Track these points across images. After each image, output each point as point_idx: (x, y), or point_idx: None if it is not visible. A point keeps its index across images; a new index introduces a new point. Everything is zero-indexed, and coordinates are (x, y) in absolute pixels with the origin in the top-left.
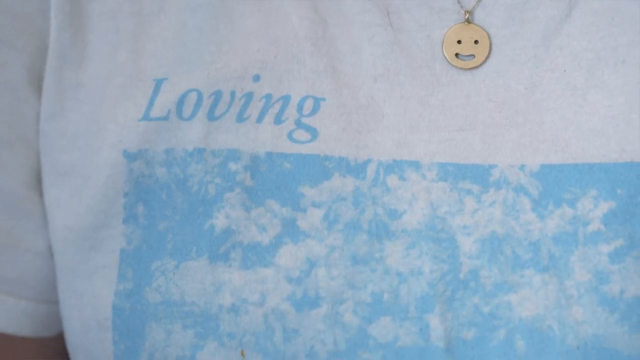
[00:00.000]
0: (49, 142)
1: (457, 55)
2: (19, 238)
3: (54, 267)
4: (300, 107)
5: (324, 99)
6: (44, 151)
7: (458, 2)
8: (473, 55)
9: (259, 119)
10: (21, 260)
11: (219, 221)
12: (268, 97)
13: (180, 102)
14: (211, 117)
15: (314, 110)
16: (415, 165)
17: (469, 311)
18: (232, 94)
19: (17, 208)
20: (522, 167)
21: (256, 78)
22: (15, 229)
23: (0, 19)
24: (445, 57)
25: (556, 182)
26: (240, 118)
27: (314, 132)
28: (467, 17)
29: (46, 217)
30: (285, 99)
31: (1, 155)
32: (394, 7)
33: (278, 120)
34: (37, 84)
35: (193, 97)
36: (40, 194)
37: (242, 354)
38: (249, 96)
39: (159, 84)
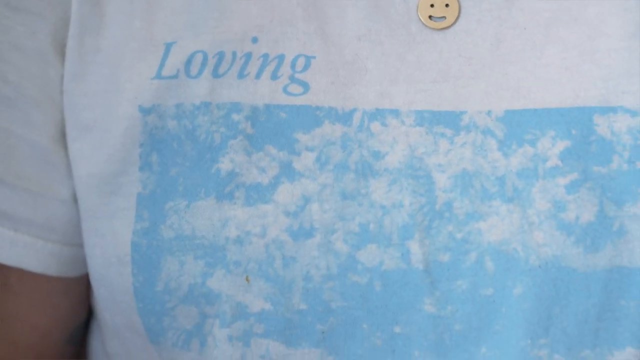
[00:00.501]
0: (72, 101)
1: (430, 17)
2: (47, 187)
3: (78, 213)
4: (293, 65)
5: (314, 57)
6: (67, 109)
7: None
8: (444, 17)
9: (257, 76)
10: (49, 206)
11: (224, 165)
12: (265, 56)
13: (188, 63)
14: (215, 74)
15: (306, 67)
16: (395, 113)
17: (444, 237)
18: (234, 54)
19: (45, 160)
20: (488, 113)
21: (254, 40)
22: (43, 179)
23: None
24: (420, 19)
25: (518, 125)
26: (241, 75)
27: (305, 86)
28: None
29: (70, 167)
30: (280, 58)
31: (31, 113)
32: None
33: (274, 76)
34: (61, 50)
35: (199, 57)
36: (65, 147)
37: (247, 280)
38: (248, 56)
39: (168, 47)
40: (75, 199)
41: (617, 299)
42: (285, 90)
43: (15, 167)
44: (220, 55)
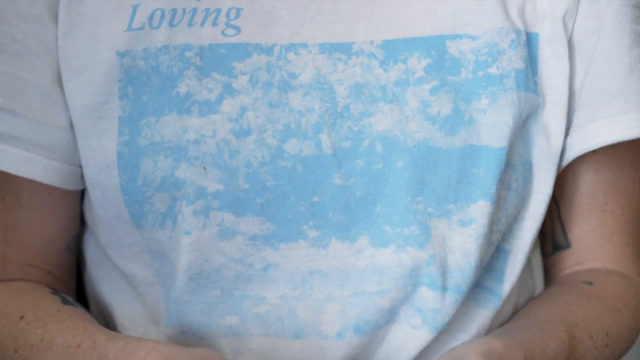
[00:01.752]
0: (64, 52)
1: None
2: (49, 117)
3: (74, 137)
4: (227, 15)
5: (242, 9)
6: (61, 58)
7: None
8: None
9: (202, 24)
10: (51, 132)
11: (182, 89)
12: (206, 10)
13: (150, 17)
14: (171, 25)
15: (237, 16)
16: (304, 45)
17: (345, 130)
18: (184, 10)
19: (47, 97)
20: (371, 42)
21: None
22: (46, 111)
23: None
24: None
25: (393, 50)
26: (190, 24)
27: (237, 29)
28: None
29: (66, 102)
30: (218, 11)
31: (34, 62)
32: None
33: (214, 23)
34: (54, 15)
35: (158, 13)
36: (62, 87)
37: (204, 169)
38: (194, 10)
39: (135, 7)
40: (71, 126)
41: (470, 168)
42: (223, 33)
43: (25, 103)
44: (174, 11)
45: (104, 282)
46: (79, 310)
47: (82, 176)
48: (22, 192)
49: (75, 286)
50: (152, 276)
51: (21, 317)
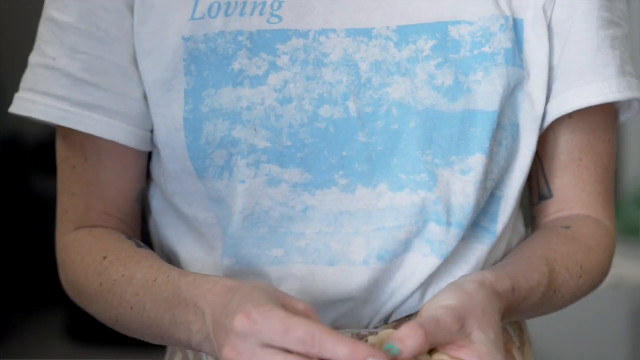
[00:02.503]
0: (139, 37)
1: None
2: (127, 90)
3: (147, 107)
4: (272, 6)
5: (284, 2)
6: (137, 43)
7: None
8: None
9: (252, 14)
10: (129, 103)
11: (236, 66)
12: (255, 2)
13: (210, 9)
14: (226, 15)
15: (279, 7)
16: (333, 31)
17: (368, 98)
18: (236, 3)
19: (125, 74)
20: (387, 28)
21: None
22: (125, 85)
23: None
24: None
25: (405, 34)
26: (242, 14)
27: (280, 18)
28: None
29: (141, 78)
30: (264, 3)
31: (115, 46)
32: None
33: (261, 13)
34: (131, 7)
35: (216, 6)
36: (137, 66)
37: (255, 130)
38: (245, 3)
39: (197, 1)
40: (145, 98)
41: (468, 127)
42: (268, 21)
43: (108, 79)
44: (228, 4)
45: (168, 228)
46: (151, 252)
47: (151, 139)
48: (102, 153)
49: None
50: (212, 218)
51: (104, 257)
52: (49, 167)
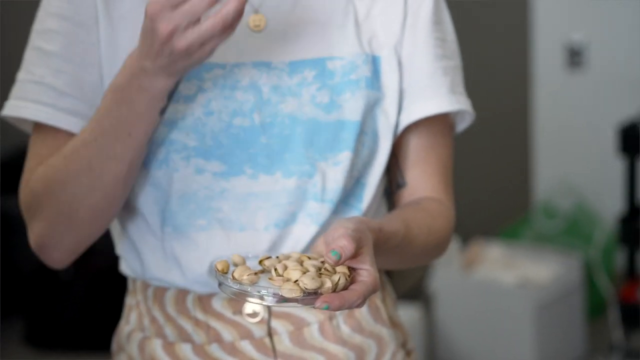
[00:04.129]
0: (105, 63)
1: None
2: (96, 100)
3: None
4: None
5: None
6: (103, 68)
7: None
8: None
9: None
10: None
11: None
12: None
13: None
14: None
15: None
16: (244, 64)
17: (267, 112)
18: None
19: (95, 88)
20: (282, 62)
21: None
22: (95, 97)
23: None
24: (249, 27)
25: (295, 66)
26: None
27: None
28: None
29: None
30: None
31: (88, 68)
32: None
33: None
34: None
35: None
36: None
37: (187, 134)
38: None
39: None
40: None
41: (339, 132)
42: None
43: (83, 92)
44: None
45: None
46: None
47: None
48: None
49: None
50: (151, 199)
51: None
52: (10, 187)
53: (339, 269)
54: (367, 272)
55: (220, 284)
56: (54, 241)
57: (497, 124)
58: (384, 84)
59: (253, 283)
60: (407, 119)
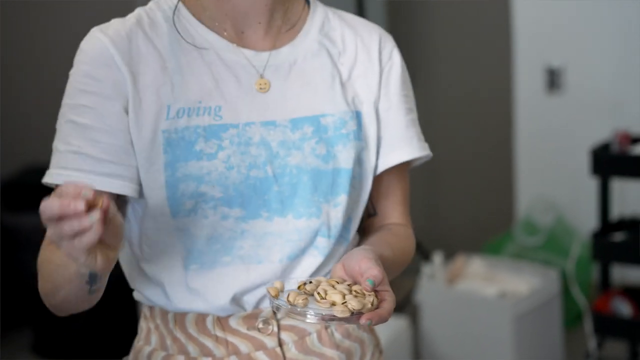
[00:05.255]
0: (133, 130)
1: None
2: (130, 162)
3: (139, 172)
4: (215, 110)
5: (221, 106)
6: (132, 133)
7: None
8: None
9: (204, 115)
10: (131, 171)
11: (197, 147)
12: (205, 108)
13: (177, 112)
14: (189, 115)
15: (220, 110)
16: (253, 123)
17: (277, 164)
18: (194, 108)
19: (127, 152)
20: (284, 120)
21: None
22: (128, 160)
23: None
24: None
25: (295, 123)
26: (197, 115)
27: (221, 117)
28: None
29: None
30: (210, 108)
31: (119, 135)
32: None
33: (209, 114)
34: (126, 110)
35: (181, 110)
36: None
37: (213, 186)
38: (199, 108)
39: (169, 107)
40: (137, 167)
41: (336, 178)
42: (214, 119)
43: (118, 157)
44: (190, 109)
45: (144, 247)
46: None
47: (140, 191)
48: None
49: None
50: (177, 241)
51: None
52: (16, 205)
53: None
54: (388, 293)
55: (278, 307)
56: (47, 303)
57: (481, 144)
58: (365, 134)
59: (305, 305)
60: (384, 164)
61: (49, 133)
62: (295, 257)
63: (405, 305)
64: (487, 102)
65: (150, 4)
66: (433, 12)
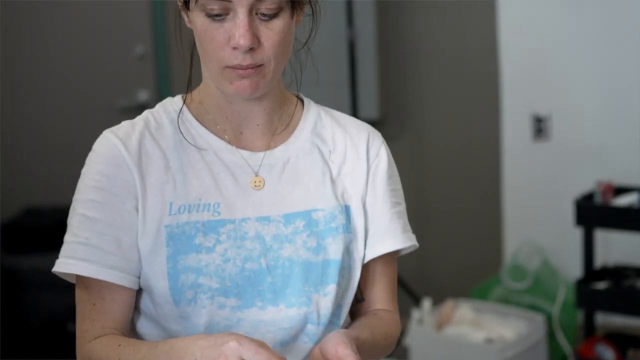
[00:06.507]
0: (139, 225)
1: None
2: (132, 256)
3: (141, 265)
4: (214, 206)
5: (220, 203)
6: (138, 229)
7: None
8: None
9: (203, 211)
10: (133, 264)
11: (197, 241)
12: (204, 204)
13: (179, 209)
14: (189, 212)
15: (218, 206)
16: (249, 219)
17: (271, 257)
18: (194, 205)
19: (131, 246)
20: (278, 215)
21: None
22: (132, 253)
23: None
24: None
25: (288, 217)
26: (197, 211)
27: (219, 213)
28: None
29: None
30: (209, 204)
31: (126, 230)
32: None
33: (208, 210)
34: (136, 208)
35: (182, 207)
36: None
37: (211, 278)
38: (198, 205)
39: (171, 204)
40: (140, 260)
41: (326, 269)
42: (212, 215)
43: (122, 250)
44: (190, 205)
45: (151, 333)
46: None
47: (139, 282)
48: (115, 294)
49: None
50: (181, 327)
51: (119, 345)
52: (16, 246)
53: None
54: None
55: None
56: None
57: (469, 190)
58: (354, 227)
59: None
60: (371, 254)
61: (49, 176)
62: (287, 344)
63: (394, 350)
64: (474, 149)
65: (157, 107)
66: (422, 60)
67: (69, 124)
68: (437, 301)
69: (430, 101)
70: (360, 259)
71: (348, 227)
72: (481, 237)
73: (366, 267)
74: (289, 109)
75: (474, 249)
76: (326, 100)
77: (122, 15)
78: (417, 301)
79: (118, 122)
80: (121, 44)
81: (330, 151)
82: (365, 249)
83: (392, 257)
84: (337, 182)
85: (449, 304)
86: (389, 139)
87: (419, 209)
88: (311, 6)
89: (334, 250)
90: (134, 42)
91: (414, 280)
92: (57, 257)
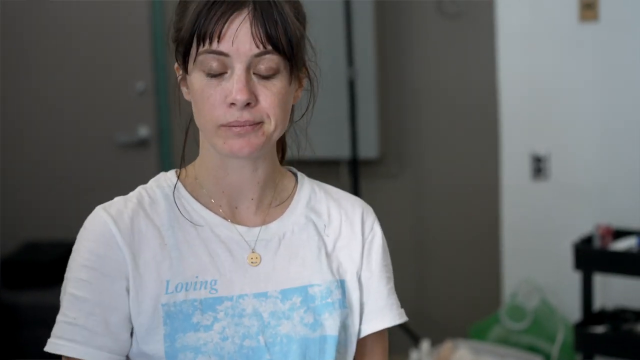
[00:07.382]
0: (133, 305)
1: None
2: (121, 336)
3: (129, 345)
4: (211, 284)
5: (217, 280)
6: (131, 308)
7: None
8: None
9: (200, 289)
10: (122, 343)
11: (194, 319)
12: (201, 282)
13: (176, 287)
14: (186, 290)
15: (215, 284)
16: (246, 295)
17: (269, 334)
18: (191, 283)
19: (121, 326)
20: (275, 291)
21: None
22: (121, 333)
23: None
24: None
25: (285, 293)
26: (195, 289)
27: (216, 290)
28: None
29: (129, 328)
30: (206, 282)
31: (115, 311)
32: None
33: (205, 288)
34: (127, 289)
35: (179, 285)
36: (129, 321)
37: (209, 357)
38: (195, 283)
39: (167, 282)
40: (129, 339)
41: (323, 344)
42: (209, 292)
43: (110, 330)
44: (187, 284)
45: None
46: None
47: None
48: None
49: None
50: None
51: None
52: (15, 282)
53: None
54: None
55: None
56: None
57: (468, 230)
58: (349, 301)
59: None
60: (369, 329)
61: (49, 210)
62: None
63: None
64: (474, 188)
65: (150, 183)
66: (421, 99)
67: (69, 159)
68: (436, 341)
69: (430, 140)
70: (356, 333)
71: (344, 302)
72: (480, 276)
73: (361, 341)
74: (283, 182)
75: (472, 288)
76: (327, 139)
77: (122, 50)
78: (415, 341)
79: (118, 157)
80: (121, 79)
81: (325, 225)
82: (360, 323)
83: (385, 332)
84: (332, 257)
85: (447, 346)
86: (389, 178)
87: (418, 248)
88: (309, 80)
89: (331, 326)
90: (135, 77)
91: (413, 319)
92: (56, 293)
